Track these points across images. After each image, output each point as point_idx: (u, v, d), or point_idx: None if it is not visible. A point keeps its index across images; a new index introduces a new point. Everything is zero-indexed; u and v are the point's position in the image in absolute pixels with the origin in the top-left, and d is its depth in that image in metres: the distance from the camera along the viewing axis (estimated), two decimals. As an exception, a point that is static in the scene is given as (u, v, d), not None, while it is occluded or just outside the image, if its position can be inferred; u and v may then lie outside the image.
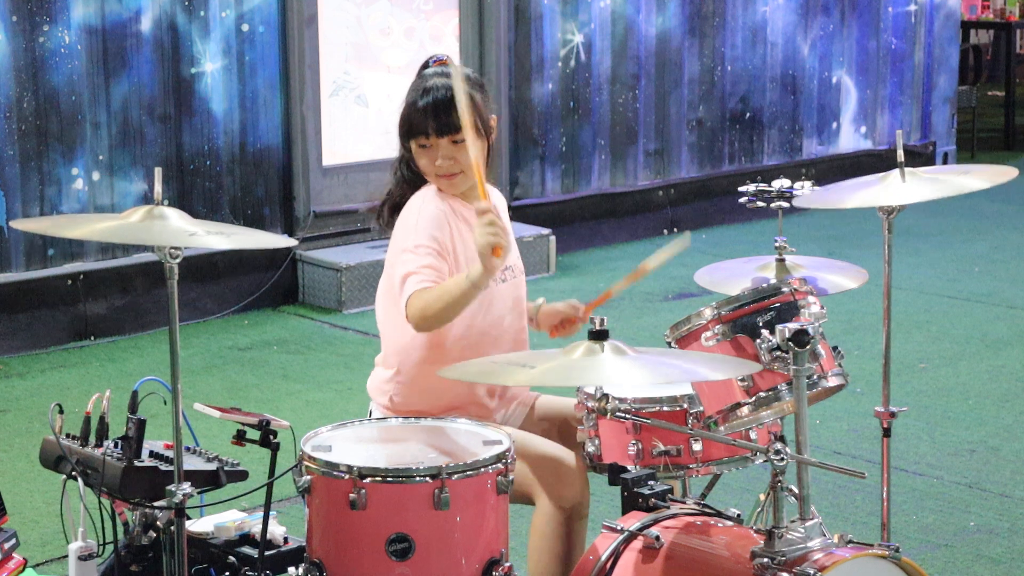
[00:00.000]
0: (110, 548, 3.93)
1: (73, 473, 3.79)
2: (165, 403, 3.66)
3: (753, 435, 3.63)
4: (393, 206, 3.87)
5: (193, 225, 3.40)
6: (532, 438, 3.68)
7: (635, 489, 3.44)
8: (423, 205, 3.75)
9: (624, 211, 9.69)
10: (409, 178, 3.85)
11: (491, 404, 3.82)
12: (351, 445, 3.30)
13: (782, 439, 3.20)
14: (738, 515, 3.49)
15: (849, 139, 11.11)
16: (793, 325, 3.18)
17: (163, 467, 3.74)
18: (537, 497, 3.61)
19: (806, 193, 4.15)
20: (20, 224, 3.59)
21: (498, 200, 3.97)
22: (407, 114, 3.76)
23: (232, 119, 7.94)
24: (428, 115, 3.71)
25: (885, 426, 4.02)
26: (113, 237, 3.42)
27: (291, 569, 3.26)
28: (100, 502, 3.84)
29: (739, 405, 3.40)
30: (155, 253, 3.32)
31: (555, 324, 3.93)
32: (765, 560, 3.12)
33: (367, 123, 8.48)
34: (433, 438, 3.38)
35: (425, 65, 3.84)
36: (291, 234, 8.09)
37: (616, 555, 3.33)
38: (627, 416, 3.59)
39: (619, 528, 3.37)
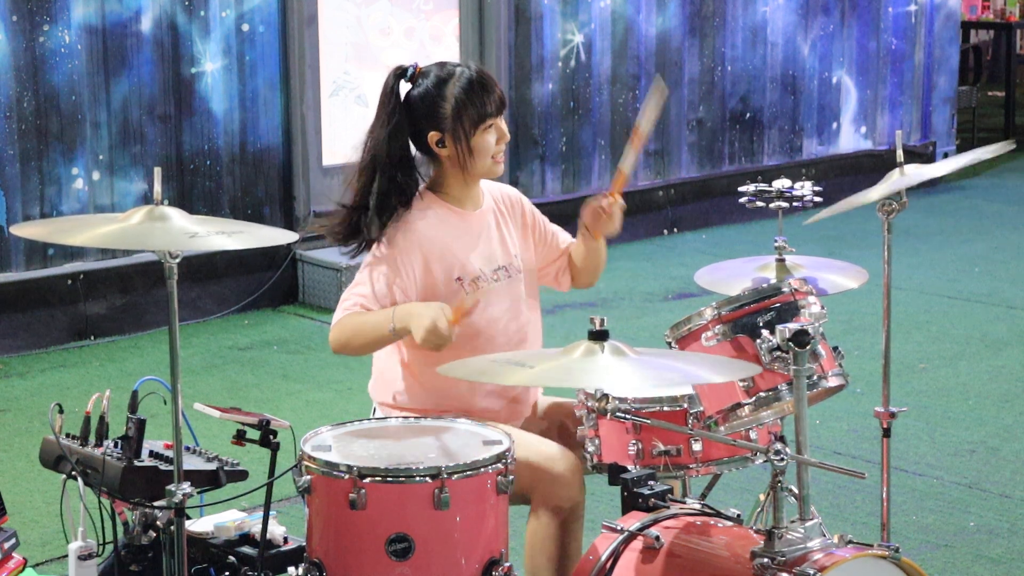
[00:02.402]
0: (110, 548, 3.93)
1: (73, 473, 3.79)
2: (165, 403, 3.66)
3: (753, 435, 3.63)
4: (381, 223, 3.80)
5: (194, 224, 3.40)
6: (530, 438, 3.68)
7: (635, 489, 3.43)
8: (415, 218, 3.74)
9: (624, 211, 9.68)
10: (403, 193, 3.82)
11: (496, 404, 3.81)
12: (351, 445, 3.30)
13: (782, 439, 3.20)
14: (738, 515, 3.49)
15: (849, 139, 11.10)
16: (793, 325, 3.18)
17: (163, 467, 3.74)
18: (533, 498, 3.61)
19: (810, 200, 4.15)
20: (20, 230, 3.58)
21: (514, 196, 3.98)
22: (474, 100, 3.73)
23: (232, 119, 7.94)
24: (495, 94, 3.77)
25: (885, 426, 4.02)
26: (114, 243, 3.41)
27: (291, 569, 3.26)
28: (100, 502, 3.84)
29: (739, 405, 3.40)
30: (155, 253, 3.32)
31: (595, 223, 3.96)
32: (765, 560, 3.12)
33: (367, 123, 8.46)
34: (433, 438, 3.37)
35: (401, 77, 3.81)
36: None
37: (616, 555, 3.33)
38: (627, 416, 3.59)
39: (619, 528, 3.37)
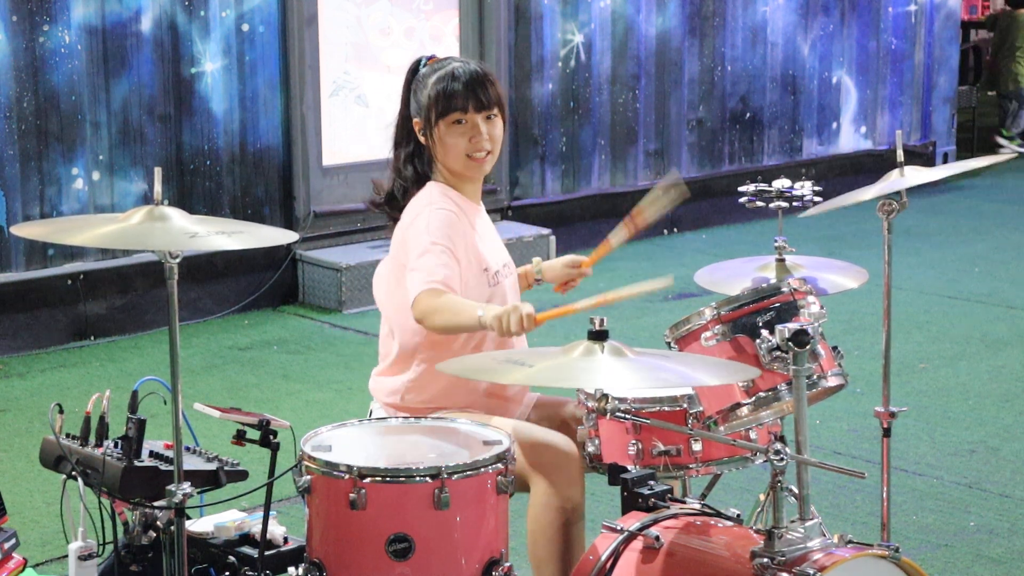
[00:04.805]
0: (110, 548, 3.93)
1: (73, 473, 3.79)
2: (165, 403, 3.66)
3: (753, 435, 3.63)
4: (395, 204, 3.86)
5: (194, 224, 3.40)
6: (536, 427, 3.68)
7: (635, 489, 3.43)
8: (432, 203, 3.73)
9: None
10: (417, 175, 3.83)
11: (491, 403, 3.81)
12: (351, 445, 3.30)
13: (782, 439, 3.20)
14: (738, 515, 3.49)
15: (849, 139, 11.11)
16: (793, 325, 3.18)
17: (163, 467, 3.74)
18: (534, 483, 3.58)
19: (810, 200, 4.14)
20: (20, 230, 3.58)
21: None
22: (441, 93, 3.73)
23: (232, 119, 7.94)
24: (467, 90, 3.73)
25: (885, 426, 4.02)
26: (114, 243, 3.41)
27: (291, 569, 3.26)
28: (100, 502, 3.84)
29: (739, 405, 3.40)
30: (155, 253, 3.32)
31: (562, 283, 4.11)
32: (765, 560, 3.12)
33: (367, 123, 8.48)
34: (433, 438, 3.37)
35: (417, 64, 3.84)
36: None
37: (616, 555, 3.33)
38: (627, 416, 3.59)
39: (619, 528, 3.37)
